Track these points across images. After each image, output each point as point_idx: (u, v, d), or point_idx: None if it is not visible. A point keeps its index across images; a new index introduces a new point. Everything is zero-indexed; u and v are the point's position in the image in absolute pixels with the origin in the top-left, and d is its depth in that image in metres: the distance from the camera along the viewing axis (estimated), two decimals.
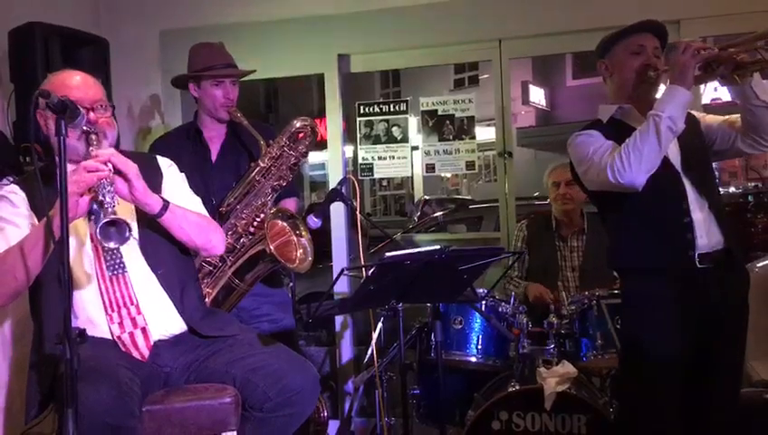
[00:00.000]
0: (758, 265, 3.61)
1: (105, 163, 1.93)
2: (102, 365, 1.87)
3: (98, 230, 1.82)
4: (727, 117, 2.32)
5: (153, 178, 2.18)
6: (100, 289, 2.09)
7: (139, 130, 4.02)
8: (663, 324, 2.18)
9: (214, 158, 2.95)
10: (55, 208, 1.79)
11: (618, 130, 2.23)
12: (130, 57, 3.83)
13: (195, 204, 2.33)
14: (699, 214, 2.19)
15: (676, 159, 2.23)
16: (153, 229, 2.14)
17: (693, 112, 2.39)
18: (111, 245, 1.87)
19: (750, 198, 11.26)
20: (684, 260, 2.17)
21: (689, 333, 2.17)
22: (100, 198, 1.88)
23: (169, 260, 2.20)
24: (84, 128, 2.01)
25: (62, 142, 1.69)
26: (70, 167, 2.04)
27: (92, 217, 2.01)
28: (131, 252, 2.13)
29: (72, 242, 2.04)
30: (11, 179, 2.59)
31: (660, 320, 2.18)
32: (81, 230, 2.10)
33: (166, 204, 2.10)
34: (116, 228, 1.84)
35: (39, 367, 2.05)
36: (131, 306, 2.09)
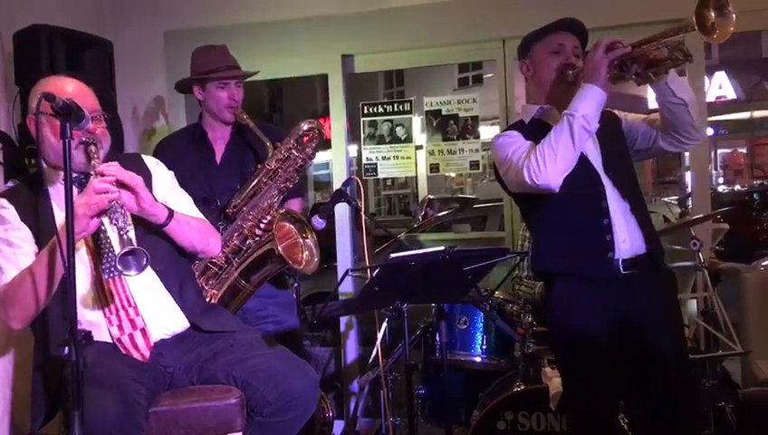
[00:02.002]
0: (764, 263, 3.60)
1: (113, 183, 1.93)
2: (109, 378, 1.87)
3: (117, 260, 1.81)
4: (648, 115, 2.29)
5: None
6: (97, 292, 2.09)
7: (143, 132, 4.03)
8: (589, 330, 2.13)
9: (218, 159, 2.96)
10: (62, 228, 1.79)
11: (538, 131, 2.19)
12: (134, 59, 3.84)
13: (187, 204, 2.34)
14: (620, 217, 2.15)
15: (596, 159, 2.20)
16: (149, 229, 2.14)
17: (615, 112, 2.36)
18: (132, 274, 1.84)
19: (755, 196, 11.27)
20: (604, 263, 2.13)
21: (619, 338, 2.12)
22: (114, 222, 1.88)
23: (167, 258, 2.19)
24: (84, 139, 2.02)
25: (67, 146, 1.68)
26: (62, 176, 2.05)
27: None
28: None
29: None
30: (17, 182, 2.60)
31: (586, 326, 2.13)
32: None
33: (171, 213, 2.12)
34: (134, 256, 1.83)
35: (44, 369, 2.06)
36: (129, 308, 2.09)
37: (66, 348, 1.63)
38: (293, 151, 2.76)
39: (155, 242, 2.14)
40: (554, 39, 2.25)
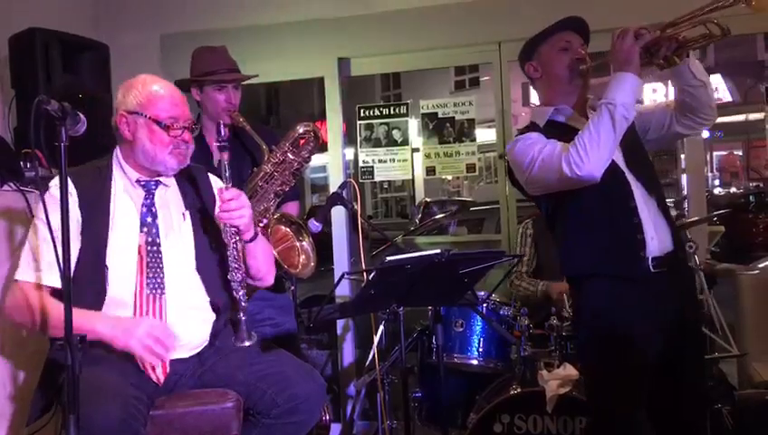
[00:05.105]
0: (760, 265, 3.61)
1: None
2: (110, 384, 1.85)
3: (236, 338, 2.05)
4: (657, 102, 2.28)
5: (207, 201, 2.25)
6: (134, 305, 2.05)
7: None
8: (626, 333, 2.11)
9: (216, 161, 2.95)
10: (117, 331, 1.93)
11: (559, 132, 2.17)
12: (131, 62, 3.82)
13: None
14: (647, 214, 2.14)
15: (618, 157, 2.16)
16: (211, 261, 2.18)
17: None
18: (245, 345, 2.04)
19: (751, 198, 11.32)
20: (636, 262, 2.11)
21: (651, 338, 2.11)
22: (232, 278, 2.07)
23: (222, 289, 2.20)
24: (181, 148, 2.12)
25: (62, 150, 1.68)
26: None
27: (145, 229, 2.10)
28: (184, 278, 2.13)
29: (121, 251, 2.06)
30: (11, 186, 2.59)
31: (623, 328, 2.11)
32: (131, 242, 2.09)
33: (256, 233, 2.17)
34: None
35: (49, 370, 2.05)
36: None
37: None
38: (289, 155, 2.75)
39: (215, 275, 2.19)
40: (560, 36, 2.25)
